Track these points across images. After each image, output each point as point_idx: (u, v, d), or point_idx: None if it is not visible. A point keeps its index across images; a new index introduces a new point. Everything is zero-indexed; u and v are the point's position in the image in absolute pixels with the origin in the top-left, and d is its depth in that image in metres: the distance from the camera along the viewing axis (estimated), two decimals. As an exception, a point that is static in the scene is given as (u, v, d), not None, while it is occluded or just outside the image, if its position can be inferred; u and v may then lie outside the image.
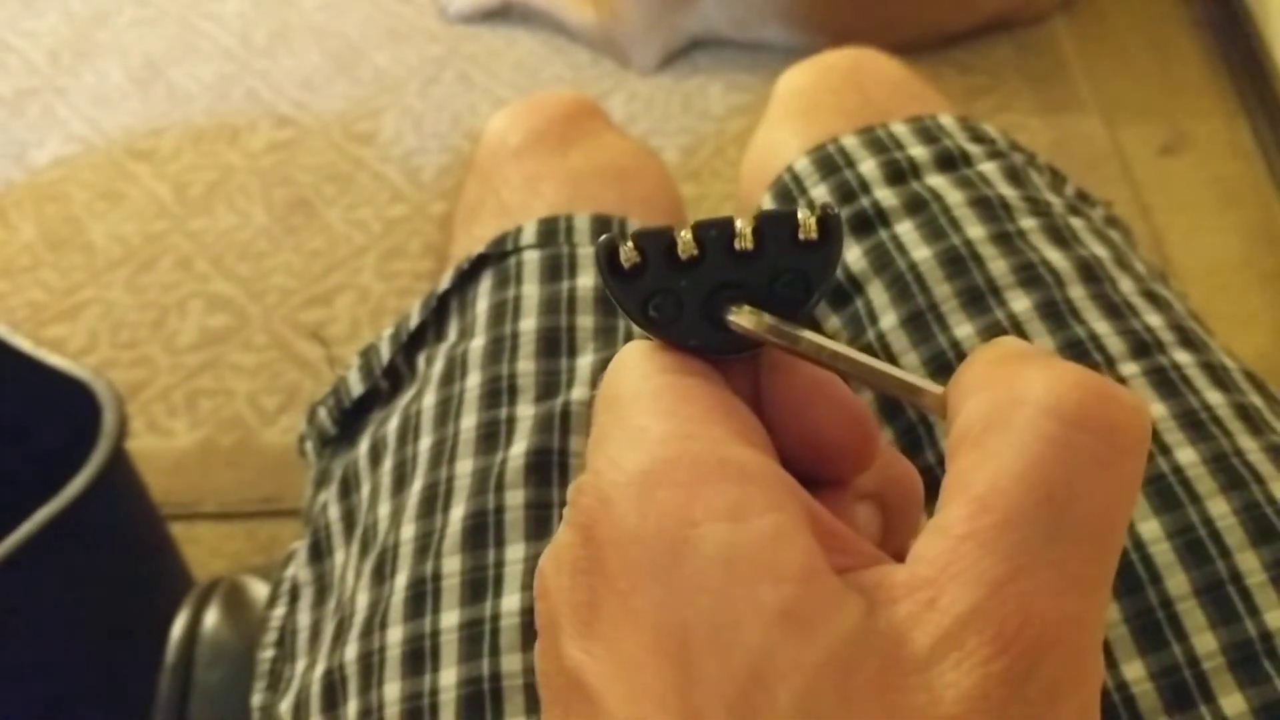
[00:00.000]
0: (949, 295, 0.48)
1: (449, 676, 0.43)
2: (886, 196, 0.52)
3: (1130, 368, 0.45)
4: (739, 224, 0.23)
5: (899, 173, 0.53)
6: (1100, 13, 1.59)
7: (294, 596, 0.53)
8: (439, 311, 0.55)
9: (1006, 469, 0.19)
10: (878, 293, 0.50)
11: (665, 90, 1.51)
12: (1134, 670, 0.39)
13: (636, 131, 1.45)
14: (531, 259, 0.53)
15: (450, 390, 0.50)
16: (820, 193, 0.54)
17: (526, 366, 0.50)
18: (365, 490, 0.51)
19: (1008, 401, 0.20)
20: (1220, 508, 0.41)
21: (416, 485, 0.48)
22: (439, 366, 0.52)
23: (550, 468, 0.46)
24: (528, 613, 0.43)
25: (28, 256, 1.39)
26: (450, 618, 0.44)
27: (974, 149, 0.54)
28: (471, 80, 1.55)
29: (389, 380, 0.55)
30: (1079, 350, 0.45)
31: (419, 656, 0.43)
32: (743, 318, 0.23)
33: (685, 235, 0.23)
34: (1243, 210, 1.36)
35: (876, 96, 0.58)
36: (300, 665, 0.49)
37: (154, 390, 1.25)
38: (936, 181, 0.52)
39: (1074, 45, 1.55)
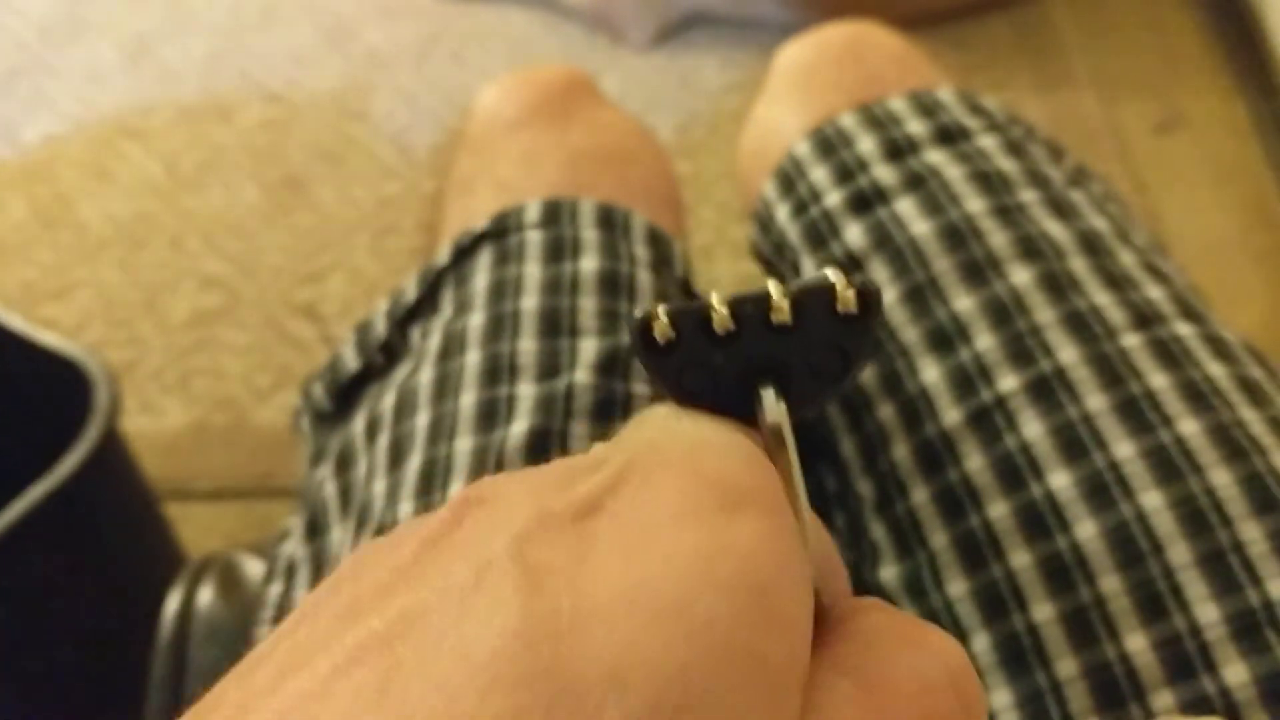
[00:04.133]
0: (948, 269, 0.48)
1: None
2: (885, 174, 0.51)
3: (1131, 339, 0.45)
4: (775, 297, 0.22)
5: (897, 150, 0.52)
6: (1097, -11, 1.58)
7: (290, 573, 0.53)
8: (433, 286, 0.55)
9: None
10: (877, 269, 0.49)
11: (660, 67, 1.50)
12: (1135, 641, 0.39)
13: (631, 108, 1.44)
14: (534, 239, 0.53)
15: (448, 366, 0.50)
16: (820, 175, 0.53)
17: (527, 345, 0.49)
18: (362, 466, 0.51)
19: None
20: (1222, 478, 0.41)
21: (414, 462, 0.48)
22: (435, 340, 0.51)
23: (550, 449, 0.46)
24: None
25: (19, 235, 1.38)
26: None
27: (972, 123, 0.54)
28: (464, 58, 1.54)
29: (384, 355, 0.55)
30: (1080, 322, 0.45)
31: None
32: (769, 405, 0.22)
33: (721, 311, 0.22)
34: (1238, 188, 1.36)
35: (877, 70, 0.58)
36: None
37: (147, 369, 1.25)
38: (935, 157, 0.52)
39: (1070, 23, 1.54)
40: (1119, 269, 0.48)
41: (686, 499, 0.19)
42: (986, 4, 1.51)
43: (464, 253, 0.54)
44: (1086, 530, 0.41)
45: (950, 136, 0.53)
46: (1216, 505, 0.40)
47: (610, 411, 0.48)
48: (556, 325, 0.50)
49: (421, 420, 0.49)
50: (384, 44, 1.57)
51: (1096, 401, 0.43)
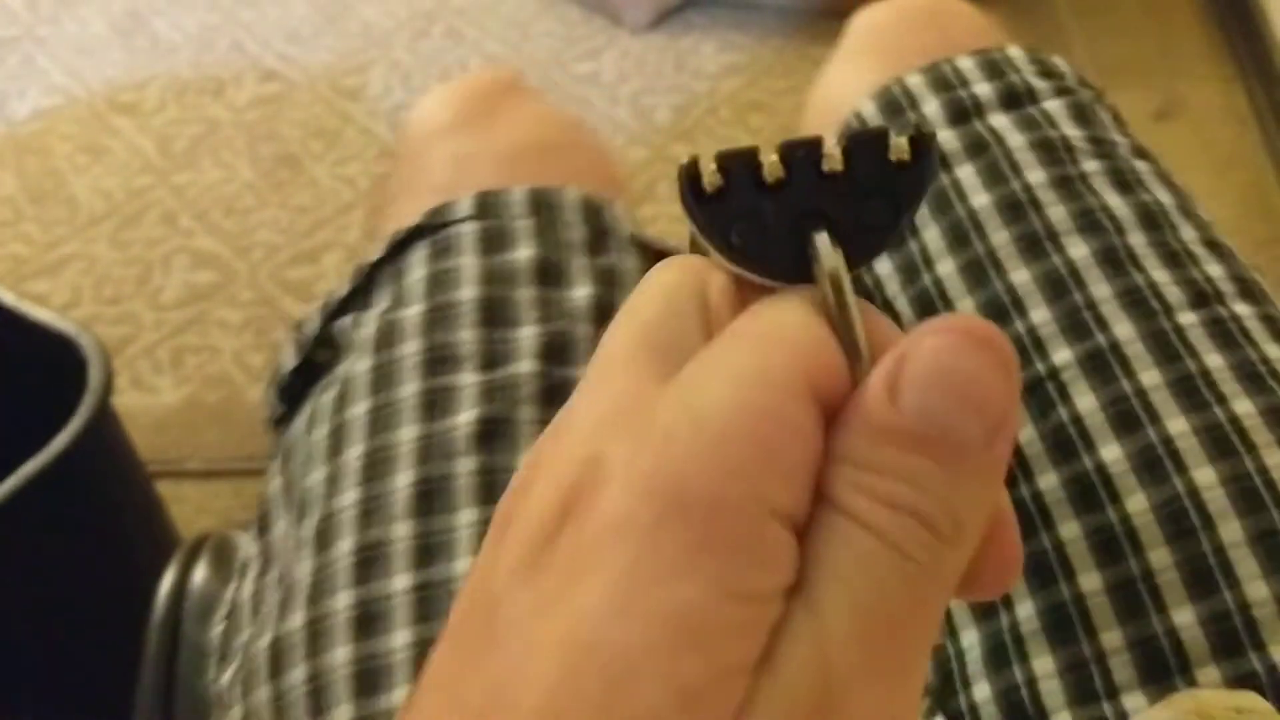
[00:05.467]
0: (1007, 242, 0.48)
1: (401, 638, 0.43)
2: (948, 139, 0.51)
3: (1188, 317, 0.45)
4: (828, 144, 0.22)
5: (962, 112, 0.52)
6: (1097, -25, 1.57)
7: (243, 572, 0.53)
8: (367, 280, 0.55)
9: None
10: (934, 237, 0.49)
11: (658, 48, 1.49)
12: (1183, 615, 0.40)
13: (628, 90, 1.44)
14: (469, 230, 0.53)
15: (386, 356, 0.50)
16: None
17: (467, 335, 0.49)
18: (300, 457, 0.51)
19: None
20: (1276, 457, 0.41)
21: (355, 451, 0.48)
22: (369, 331, 0.51)
23: (499, 436, 0.46)
24: None
25: (9, 210, 1.37)
26: (400, 581, 0.44)
27: (1041, 84, 0.53)
28: (461, 35, 1.53)
29: (326, 352, 0.55)
30: (1137, 298, 0.45)
31: (369, 620, 0.43)
32: (824, 251, 0.21)
33: (772, 157, 0.22)
34: (1237, 175, 1.35)
35: (955, 39, 0.57)
36: (244, 637, 0.49)
37: (139, 346, 1.24)
38: (999, 121, 0.51)
39: (1070, 9, 1.53)
40: (1179, 244, 0.48)
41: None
42: (987, -12, 1.50)
43: (398, 248, 0.54)
44: (1138, 503, 0.41)
45: (1016, 99, 0.52)
46: (1270, 484, 0.40)
47: (557, 397, 0.48)
48: (495, 315, 0.50)
49: (360, 409, 0.49)
50: (380, 20, 1.56)
51: (1151, 377, 0.43)
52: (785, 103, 1.40)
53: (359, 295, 0.55)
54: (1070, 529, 0.42)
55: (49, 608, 0.80)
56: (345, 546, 0.45)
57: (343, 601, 0.44)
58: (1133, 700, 0.40)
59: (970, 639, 0.44)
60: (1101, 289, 0.45)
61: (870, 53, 0.59)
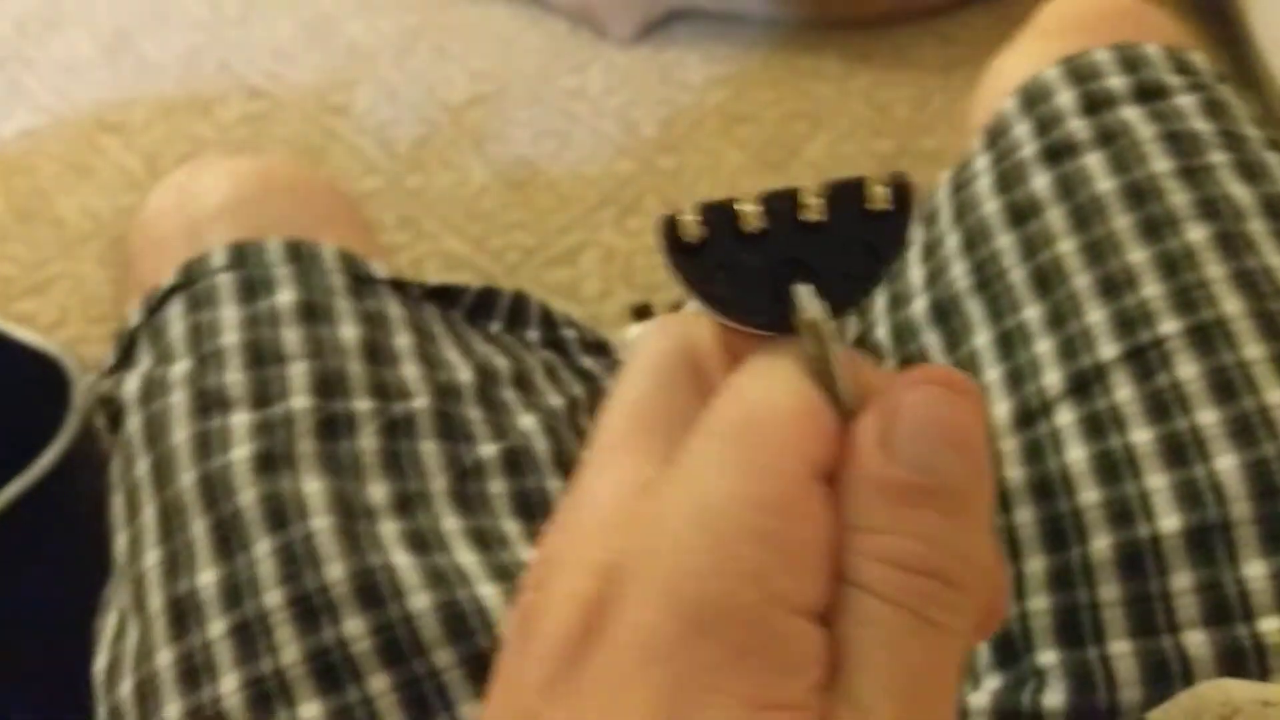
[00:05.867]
0: (1127, 226, 0.50)
1: (230, 682, 0.43)
2: (1079, 128, 0.53)
3: None
4: (806, 195, 0.22)
5: (1094, 104, 0.54)
6: (1080, -16, 1.58)
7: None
8: (129, 346, 0.55)
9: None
10: (1056, 218, 0.51)
11: (643, 61, 1.49)
12: (1254, 568, 0.42)
13: (614, 103, 1.44)
14: (225, 281, 0.53)
15: (152, 409, 0.51)
16: (1022, 130, 0.55)
17: (235, 378, 0.50)
18: (111, 526, 0.52)
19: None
20: None
21: (149, 511, 0.49)
22: (134, 387, 0.52)
23: (278, 468, 0.47)
24: (293, 604, 0.44)
25: (-4, 230, 1.37)
26: (217, 627, 0.44)
27: (1175, 80, 0.55)
28: (447, 51, 1.53)
29: (111, 419, 0.56)
30: (1249, 279, 0.47)
31: (193, 672, 0.44)
32: (806, 301, 0.22)
33: (750, 207, 0.22)
34: (1221, 182, 1.36)
35: (1136, 37, 0.58)
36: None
37: (126, 366, 1.23)
38: (1130, 114, 0.53)
39: (1054, 16, 1.54)
40: None
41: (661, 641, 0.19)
42: (970, -2, 1.51)
43: (155, 309, 0.55)
44: (1225, 462, 0.43)
45: (1148, 94, 0.54)
46: None
47: (335, 429, 0.48)
48: (261, 355, 0.50)
49: (142, 467, 0.50)
50: (365, 37, 1.56)
51: (1254, 351, 0.45)
52: (771, 114, 1.41)
53: (122, 361, 0.55)
54: (1157, 480, 0.44)
55: (31, 626, 0.80)
56: (156, 605, 0.46)
57: (165, 659, 0.45)
58: (1192, 637, 0.42)
59: (1039, 604, 0.46)
60: (1214, 270, 0.47)
61: (1044, 38, 0.61)
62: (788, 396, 0.21)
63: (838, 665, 0.20)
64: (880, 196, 0.22)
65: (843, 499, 0.20)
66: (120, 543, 0.50)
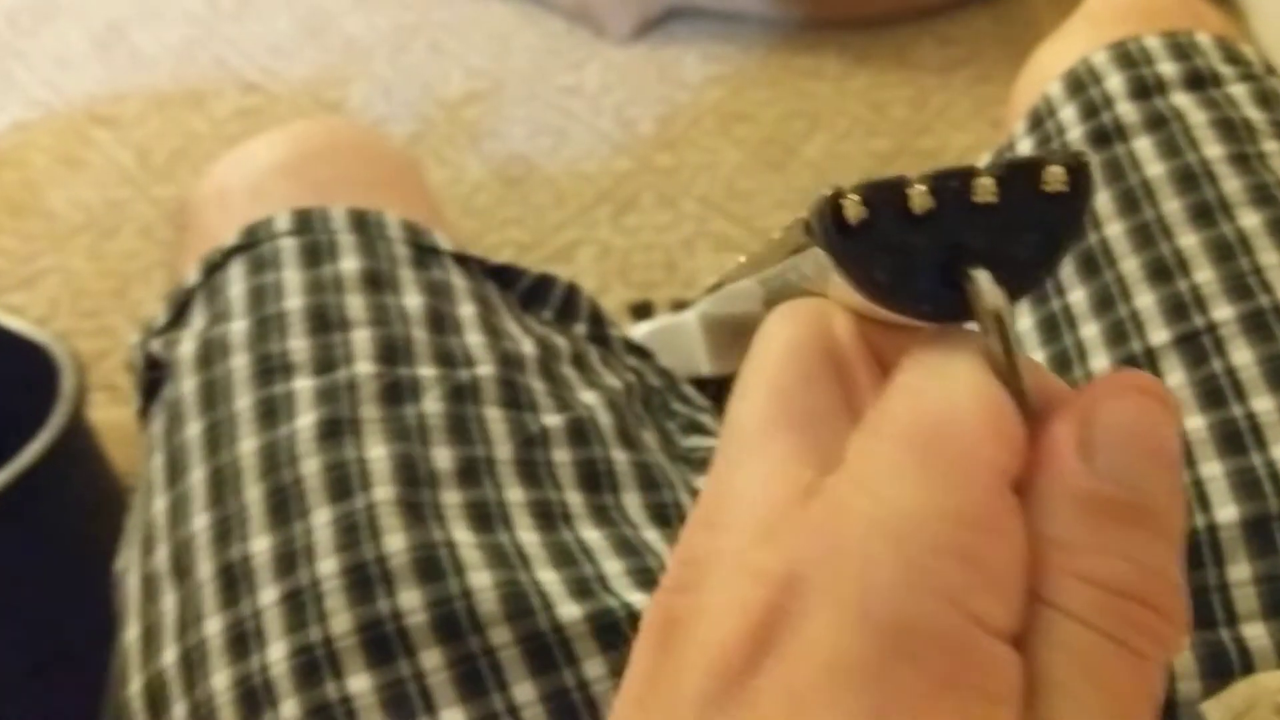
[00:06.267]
0: (1177, 210, 0.49)
1: (277, 650, 0.42)
2: (1128, 112, 0.52)
3: None
4: (980, 176, 0.20)
5: (1144, 89, 0.53)
6: (1079, -14, 1.58)
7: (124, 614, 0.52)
8: (183, 306, 0.54)
9: None
10: (1104, 202, 0.50)
11: (641, 59, 1.48)
12: None
13: (612, 101, 1.43)
14: (289, 245, 0.52)
15: (212, 373, 0.49)
16: (1068, 114, 0.54)
17: (298, 344, 0.49)
18: (141, 490, 0.50)
19: None
20: None
21: (197, 474, 0.47)
22: (188, 349, 0.51)
23: (342, 434, 0.46)
24: (348, 572, 0.43)
25: (-14, 223, 1.35)
26: (268, 594, 0.43)
27: (1226, 70, 0.54)
28: (443, 48, 1.53)
29: (156, 375, 0.54)
30: None
31: (242, 640, 0.43)
32: (987, 288, 0.20)
33: (920, 188, 0.20)
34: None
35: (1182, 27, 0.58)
36: (120, 691, 0.48)
37: (116, 360, 1.22)
38: (1181, 100, 0.52)
39: (1052, 17, 1.53)
40: None
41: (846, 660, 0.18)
42: (969, -1, 1.50)
43: (214, 268, 0.53)
44: None
45: (1200, 81, 0.53)
46: None
47: (400, 395, 0.47)
48: (325, 320, 0.49)
49: (194, 430, 0.48)
50: (362, 34, 1.55)
51: None
52: (769, 113, 1.40)
53: (174, 321, 0.54)
54: (1212, 468, 0.43)
55: (17, 616, 0.78)
56: (206, 571, 0.45)
57: (213, 627, 0.43)
58: (1252, 629, 0.41)
59: None
60: (1270, 257, 0.47)
61: (1092, 25, 0.60)
62: (974, 397, 0.19)
63: (1032, 691, 0.18)
64: (1057, 177, 0.20)
65: (1036, 511, 0.19)
66: (158, 506, 0.48)
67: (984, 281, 0.20)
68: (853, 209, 0.20)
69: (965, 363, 0.20)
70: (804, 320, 0.22)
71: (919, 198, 0.20)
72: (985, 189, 0.20)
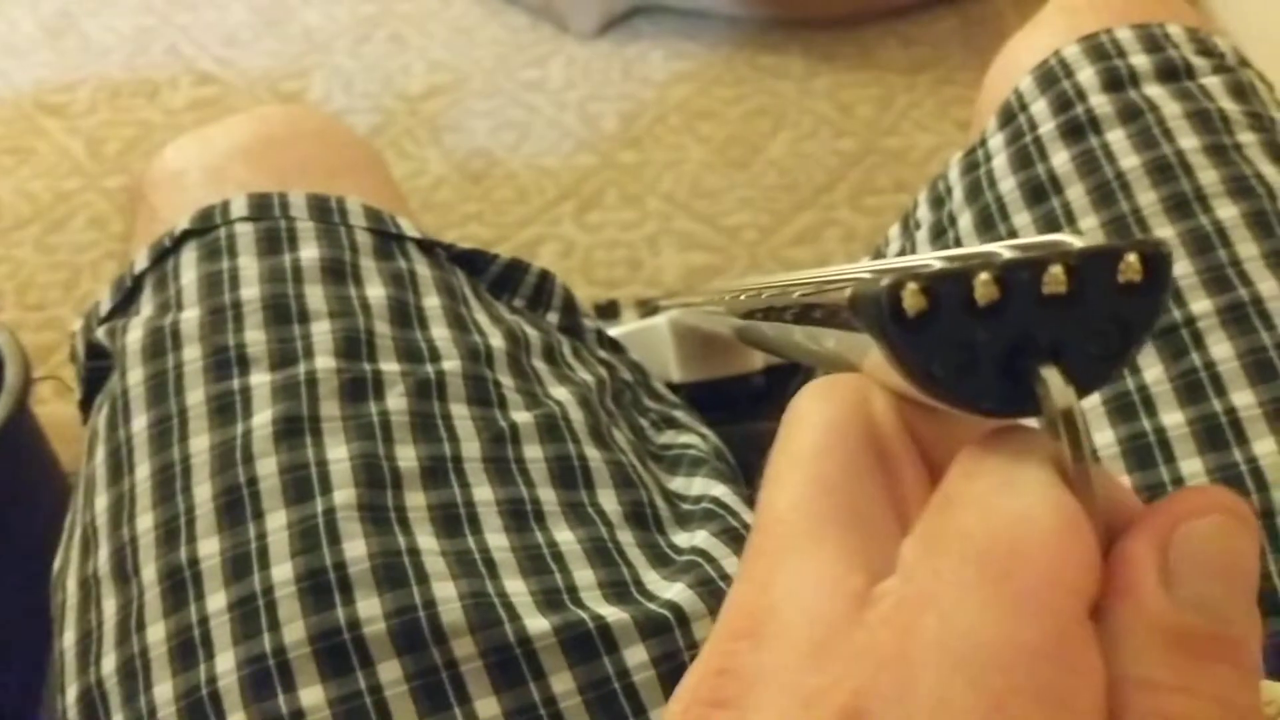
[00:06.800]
0: (1153, 201, 0.48)
1: (226, 660, 0.40)
2: (1102, 104, 0.52)
3: None
4: (1052, 264, 0.19)
5: (1117, 80, 0.52)
6: (1042, -10, 1.58)
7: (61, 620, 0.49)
8: (131, 292, 0.51)
9: None
10: (1078, 195, 0.50)
11: (605, 56, 1.47)
12: None
13: (575, 97, 1.42)
14: (245, 231, 0.50)
15: (162, 364, 0.47)
16: (1040, 108, 0.54)
17: (255, 336, 0.47)
18: (80, 486, 0.47)
19: None
20: None
21: (143, 471, 0.44)
22: (135, 338, 0.48)
23: (302, 433, 0.44)
24: (304, 579, 0.40)
25: (-71, 213, 1.31)
26: (218, 600, 0.41)
27: (1200, 61, 0.53)
28: (405, 40, 1.50)
29: (102, 363, 0.51)
30: None
31: (189, 648, 0.40)
32: (1057, 388, 0.19)
33: (986, 277, 0.19)
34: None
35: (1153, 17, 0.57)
36: (58, 699, 0.45)
37: (65, 354, 1.19)
38: (1155, 91, 0.52)
39: (1017, 19, 1.54)
40: None
41: None
42: (934, 1, 1.50)
43: (165, 253, 0.51)
44: (1265, 446, 0.42)
45: (1174, 73, 0.53)
46: None
47: (362, 391, 0.46)
48: (284, 312, 0.47)
49: (140, 424, 0.46)
50: (322, 25, 1.52)
51: None
52: (734, 111, 1.39)
53: (120, 307, 0.51)
54: (1192, 465, 0.43)
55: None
56: (150, 575, 0.42)
57: (157, 634, 0.41)
58: None
59: None
60: (1248, 248, 0.46)
61: (1064, 14, 0.59)
62: (1051, 513, 0.18)
63: None
64: (1133, 267, 0.19)
65: (1115, 642, 0.17)
66: (99, 504, 0.45)
67: (1054, 381, 0.19)
68: (912, 300, 0.19)
69: (1036, 471, 0.18)
70: (844, 400, 0.21)
71: (984, 288, 0.19)
72: (1055, 279, 0.19)
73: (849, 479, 0.20)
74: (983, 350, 0.19)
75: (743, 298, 0.26)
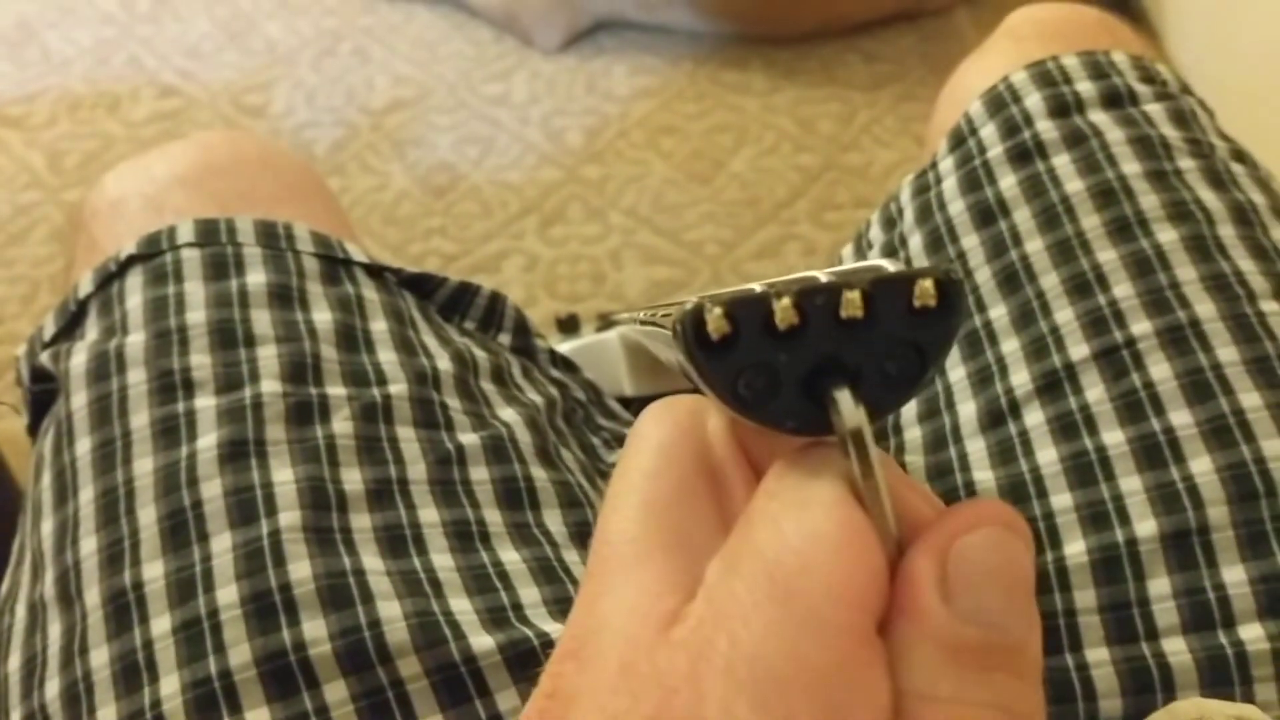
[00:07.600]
0: (1096, 225, 0.49)
1: (171, 684, 0.40)
2: (1048, 129, 0.53)
3: (1270, 305, 0.46)
4: (848, 290, 0.20)
5: (1063, 106, 0.54)
6: (1002, 4, 1.60)
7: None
8: (75, 317, 0.51)
9: None
10: (1024, 218, 0.51)
11: (569, 71, 1.48)
12: (1234, 573, 0.41)
13: (539, 112, 1.42)
14: (192, 256, 0.50)
15: (107, 387, 0.47)
16: (989, 132, 0.55)
17: (201, 360, 0.47)
18: (28, 510, 0.48)
19: None
20: None
21: (86, 494, 0.45)
22: (80, 362, 0.48)
23: (248, 456, 0.44)
24: (249, 601, 0.41)
25: (-116, 226, 1.30)
26: (162, 623, 0.41)
27: (1143, 88, 0.55)
28: (368, 54, 1.50)
29: (47, 387, 0.51)
30: (1221, 283, 0.47)
31: (133, 672, 0.40)
32: (847, 408, 0.19)
33: (785, 303, 0.20)
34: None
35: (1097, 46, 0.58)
36: None
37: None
38: (1099, 118, 0.53)
39: (977, 35, 1.56)
40: (1269, 242, 0.49)
41: None
42: (894, 16, 1.52)
43: (110, 278, 0.51)
44: (1202, 465, 0.43)
45: (1118, 99, 0.54)
46: None
47: (308, 415, 0.46)
48: (230, 336, 0.48)
49: (84, 447, 0.46)
50: (285, 38, 1.52)
51: (1228, 354, 0.45)
52: (697, 126, 1.40)
53: (64, 332, 0.51)
54: (1131, 483, 0.43)
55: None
56: (93, 598, 0.42)
57: (101, 658, 0.41)
58: (1172, 644, 0.41)
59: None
60: (1186, 271, 0.47)
61: (1012, 43, 0.60)
62: (834, 528, 0.18)
63: None
64: (927, 292, 0.20)
65: (899, 656, 0.18)
66: (45, 528, 0.45)
67: (844, 402, 0.20)
68: (714, 323, 0.20)
69: (827, 489, 0.19)
70: (677, 422, 0.22)
71: (783, 313, 0.20)
72: (851, 304, 0.20)
73: (678, 500, 0.20)
74: (785, 371, 0.20)
75: (641, 315, 0.27)
